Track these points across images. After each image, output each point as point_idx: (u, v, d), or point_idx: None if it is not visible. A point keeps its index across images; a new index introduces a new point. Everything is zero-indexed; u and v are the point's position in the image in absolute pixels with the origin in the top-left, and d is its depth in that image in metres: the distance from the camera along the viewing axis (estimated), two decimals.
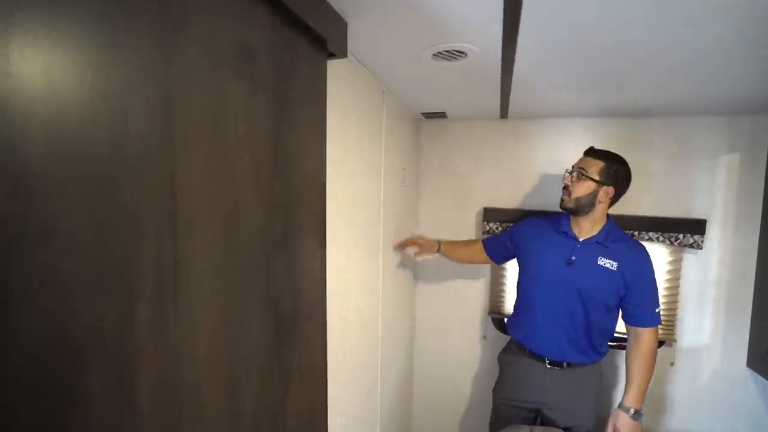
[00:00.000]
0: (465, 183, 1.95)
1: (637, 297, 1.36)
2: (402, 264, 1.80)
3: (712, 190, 1.68)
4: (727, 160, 1.66)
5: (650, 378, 1.37)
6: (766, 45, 0.92)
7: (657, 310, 1.36)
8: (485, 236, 1.76)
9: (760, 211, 1.64)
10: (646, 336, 1.36)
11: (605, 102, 1.51)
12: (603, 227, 1.41)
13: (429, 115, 1.85)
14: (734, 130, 1.64)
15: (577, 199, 1.36)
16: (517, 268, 1.61)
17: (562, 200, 1.41)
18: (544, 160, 1.86)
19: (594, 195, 1.35)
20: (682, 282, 1.75)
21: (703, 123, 1.66)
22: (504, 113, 1.76)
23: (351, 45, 0.99)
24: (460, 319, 2.06)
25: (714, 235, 1.69)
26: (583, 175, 1.35)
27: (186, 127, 0.46)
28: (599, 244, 1.39)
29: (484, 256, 1.70)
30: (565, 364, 1.44)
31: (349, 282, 1.14)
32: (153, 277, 0.41)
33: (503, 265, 1.95)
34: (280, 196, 0.66)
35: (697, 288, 1.74)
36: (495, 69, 1.13)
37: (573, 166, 1.41)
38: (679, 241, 1.67)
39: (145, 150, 0.40)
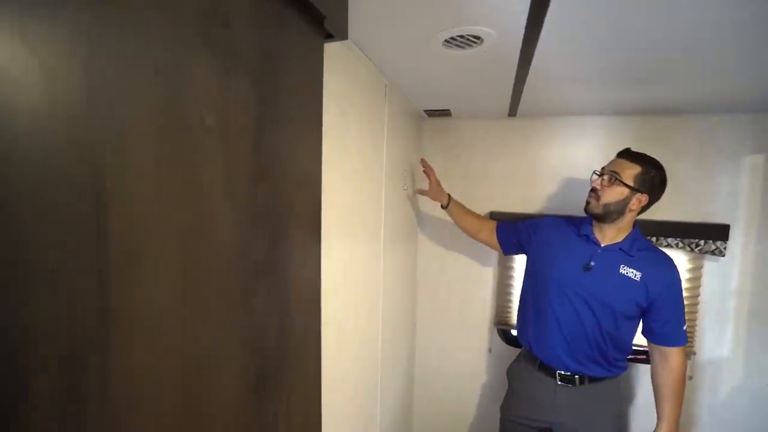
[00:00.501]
0: (470, 186, 1.82)
1: (664, 314, 1.24)
2: (404, 272, 1.67)
3: (735, 193, 1.57)
4: (751, 161, 1.55)
5: (682, 403, 1.26)
6: None
7: (684, 328, 1.25)
8: (500, 221, 1.61)
9: None
10: (675, 357, 1.25)
11: (624, 98, 1.38)
12: (628, 235, 1.29)
13: (432, 113, 1.72)
14: (759, 130, 1.53)
15: (606, 206, 1.24)
16: (525, 267, 1.49)
17: (588, 203, 1.29)
18: (557, 162, 1.74)
19: (626, 202, 1.23)
20: (702, 291, 1.63)
21: (726, 121, 1.55)
22: (513, 111, 1.63)
23: (351, 30, 0.86)
24: (464, 330, 1.94)
25: (736, 241, 1.58)
26: (616, 179, 1.22)
27: (122, 117, 0.32)
28: (623, 251, 1.27)
29: (493, 239, 1.56)
30: (577, 380, 1.32)
31: (347, 299, 1.01)
32: (64, 343, 0.27)
33: (510, 274, 1.82)
34: (264, 205, 0.52)
35: (718, 297, 1.63)
36: (512, 59, 1.00)
37: (604, 168, 1.28)
38: (700, 247, 1.55)
39: (51, 151, 0.26)
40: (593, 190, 1.28)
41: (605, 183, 1.24)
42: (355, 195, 1.02)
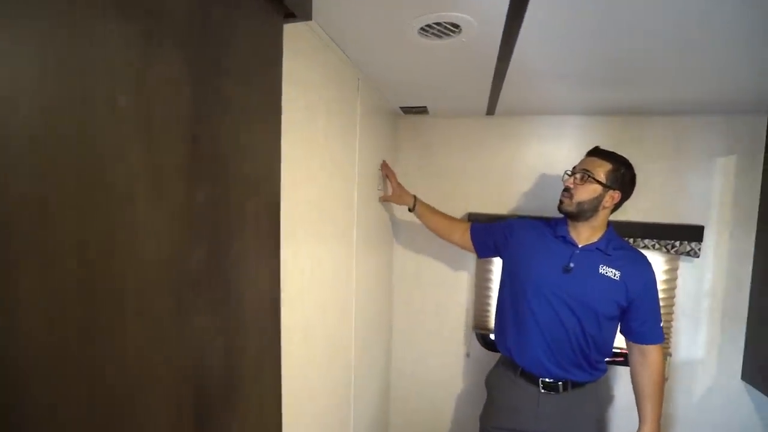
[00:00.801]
0: (447, 186, 1.77)
1: (643, 312, 1.24)
2: (379, 274, 1.60)
3: (708, 194, 1.58)
4: (724, 162, 1.56)
5: (662, 403, 1.26)
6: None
7: (661, 325, 1.26)
8: (474, 221, 1.56)
9: (756, 217, 1.55)
10: (654, 354, 1.25)
11: (602, 97, 1.36)
12: (604, 234, 1.28)
13: (408, 110, 1.66)
14: (732, 131, 1.54)
15: (580, 204, 1.22)
16: (501, 271, 1.45)
17: (561, 203, 1.27)
18: (535, 162, 1.71)
19: (599, 200, 1.22)
20: (677, 292, 1.64)
21: (700, 122, 1.56)
22: (491, 109, 1.59)
23: (318, 13, 0.78)
24: (441, 334, 1.88)
25: (710, 242, 1.59)
26: (588, 176, 1.21)
27: None
28: (600, 251, 1.26)
29: (467, 241, 1.49)
30: (560, 386, 1.28)
31: (315, 305, 0.93)
32: None
33: (489, 276, 1.78)
34: (204, 208, 0.44)
35: (693, 298, 1.63)
36: (491, 51, 0.95)
37: (575, 167, 1.27)
38: (675, 248, 1.55)
39: None
40: (566, 189, 1.26)
41: (578, 181, 1.23)
42: (324, 194, 0.94)
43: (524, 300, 1.30)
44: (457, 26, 0.82)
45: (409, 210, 1.55)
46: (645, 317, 1.24)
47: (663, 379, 1.26)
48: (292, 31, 0.74)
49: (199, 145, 0.43)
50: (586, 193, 1.21)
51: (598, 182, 1.20)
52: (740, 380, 1.61)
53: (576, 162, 1.38)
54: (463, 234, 1.50)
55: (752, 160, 1.53)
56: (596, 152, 1.26)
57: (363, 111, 1.22)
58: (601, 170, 1.21)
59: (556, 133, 1.67)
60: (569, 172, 1.27)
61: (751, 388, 1.58)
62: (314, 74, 0.85)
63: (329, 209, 0.98)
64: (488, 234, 1.47)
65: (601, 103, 1.44)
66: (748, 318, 1.58)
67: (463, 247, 1.53)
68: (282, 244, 0.69)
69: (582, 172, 1.23)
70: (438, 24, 0.81)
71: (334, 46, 0.95)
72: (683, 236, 1.54)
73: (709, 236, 1.58)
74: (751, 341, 1.57)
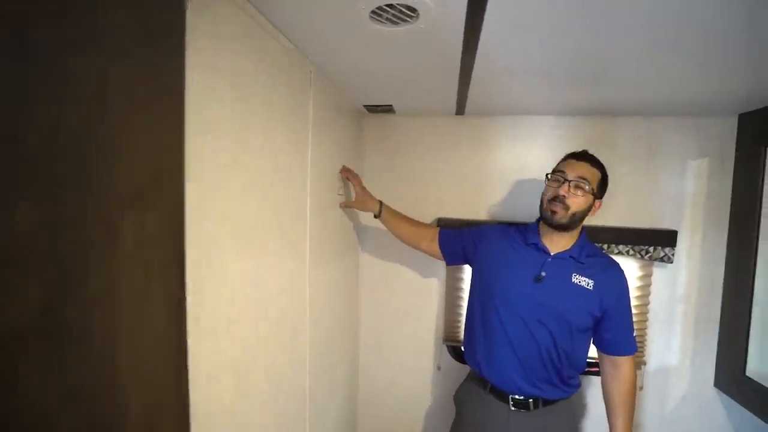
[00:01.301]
0: (417, 190, 1.67)
1: (616, 323, 1.17)
2: (343, 288, 1.48)
3: (680, 198, 1.54)
4: (696, 165, 1.52)
5: (633, 415, 1.21)
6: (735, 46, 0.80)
7: (634, 335, 1.20)
8: (442, 227, 1.46)
9: (728, 220, 1.52)
10: (626, 366, 1.19)
11: (573, 97, 1.29)
12: (577, 241, 1.20)
13: (373, 109, 1.54)
14: (703, 133, 1.50)
15: (574, 215, 1.13)
16: (471, 280, 1.35)
17: (553, 213, 1.14)
18: (507, 164, 1.63)
19: (589, 209, 1.14)
20: (651, 298, 1.59)
21: (671, 124, 1.51)
22: (461, 109, 1.50)
23: None
24: (411, 347, 1.77)
25: (683, 247, 1.55)
26: (585, 185, 1.12)
27: None
28: (573, 259, 1.17)
29: (435, 248, 1.39)
30: (531, 404, 1.19)
31: (251, 335, 0.80)
32: None
33: (459, 285, 1.68)
34: (35, 233, 0.31)
35: (667, 305, 1.59)
36: (455, 40, 0.84)
37: (564, 172, 1.14)
38: (649, 254, 1.50)
39: None
40: (558, 198, 1.13)
41: (573, 190, 1.12)
42: (264, 203, 0.82)
43: (493, 312, 1.21)
44: (413, 10, 0.71)
45: (375, 216, 1.44)
46: (618, 328, 1.17)
47: (635, 391, 1.21)
48: (218, 12, 0.62)
49: (23, 144, 0.30)
50: (582, 203, 1.12)
51: (592, 192, 1.12)
52: (713, 387, 1.58)
53: (549, 164, 1.31)
54: (432, 241, 1.40)
55: (723, 163, 1.50)
56: (587, 158, 1.16)
57: (317, 108, 1.10)
58: (595, 179, 1.13)
59: (529, 135, 1.60)
60: (561, 178, 1.14)
61: (723, 395, 1.55)
62: (247, 62, 0.72)
63: (271, 220, 0.85)
64: (457, 241, 1.37)
65: (573, 103, 1.37)
66: (721, 323, 1.55)
67: (432, 255, 1.43)
68: (198, 270, 0.56)
69: (578, 180, 1.12)
70: (391, 6, 0.70)
71: (276, 32, 0.82)
72: (657, 241, 1.49)
73: (681, 240, 1.53)
74: (723, 347, 1.54)
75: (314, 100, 1.06)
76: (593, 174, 1.13)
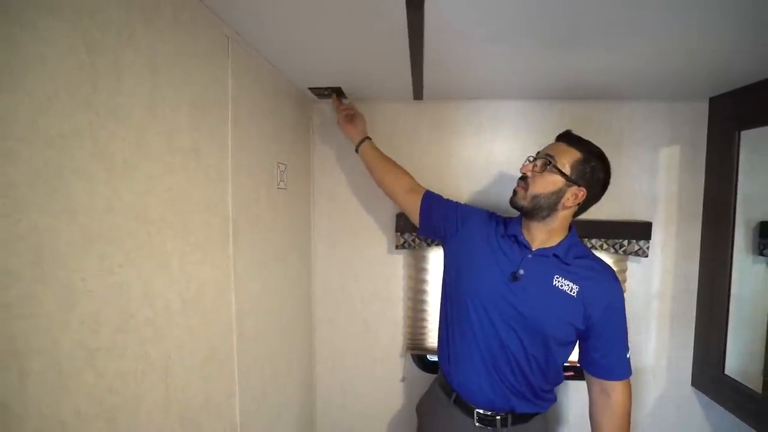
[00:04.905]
0: (373, 182, 1.51)
1: (606, 341, 1.00)
2: (290, 295, 1.29)
3: (653, 188, 1.45)
4: (668, 152, 1.43)
5: None
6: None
7: (628, 356, 1.02)
8: (430, 191, 1.25)
9: (701, 212, 1.44)
10: (619, 393, 1.01)
11: (539, 74, 1.16)
12: (564, 239, 1.03)
13: (320, 92, 1.37)
14: (674, 119, 1.41)
15: (536, 197, 0.98)
16: (443, 268, 1.19)
17: (514, 194, 1.03)
18: (472, 153, 1.49)
19: (559, 195, 0.97)
20: (625, 296, 1.48)
21: (642, 109, 1.41)
22: (418, 92, 1.34)
23: None
24: (372, 357, 1.60)
25: (657, 239, 1.45)
26: (550, 164, 0.97)
27: None
28: (558, 258, 1.01)
29: (413, 204, 1.20)
30: (499, 421, 1.04)
31: (140, 371, 0.61)
32: None
33: (424, 288, 1.53)
34: None
35: (642, 301, 1.49)
36: None
37: (539, 152, 1.02)
38: (624, 248, 1.39)
39: None
40: (523, 177, 1.02)
41: (537, 168, 0.99)
42: (150, 194, 0.63)
43: (463, 310, 1.06)
44: None
45: (356, 150, 1.31)
46: (610, 347, 1.00)
47: (629, 420, 1.01)
48: None
49: None
50: (544, 184, 0.97)
51: (561, 173, 0.95)
52: (690, 387, 1.50)
53: (517, 152, 1.17)
54: (413, 194, 1.22)
55: (695, 149, 1.41)
56: (566, 137, 1.01)
57: (241, 85, 0.91)
58: (567, 159, 0.96)
59: (494, 121, 1.46)
60: (531, 158, 1.03)
61: (701, 394, 1.46)
62: (119, 11, 0.53)
63: (166, 216, 0.66)
64: (441, 211, 1.18)
65: (540, 83, 1.24)
66: (696, 320, 1.47)
67: (405, 210, 1.25)
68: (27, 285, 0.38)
69: (544, 158, 0.98)
70: None
71: None
72: (631, 234, 1.39)
73: (656, 233, 1.44)
74: (700, 345, 1.45)
75: (234, 75, 0.88)
76: (565, 152, 0.97)
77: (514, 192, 1.03)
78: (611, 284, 1.00)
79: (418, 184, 1.26)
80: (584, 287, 0.98)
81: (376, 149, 1.30)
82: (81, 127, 0.50)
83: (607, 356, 1.00)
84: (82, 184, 0.50)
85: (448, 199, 1.22)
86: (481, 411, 1.05)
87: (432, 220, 1.19)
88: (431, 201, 1.21)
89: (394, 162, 1.29)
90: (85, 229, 0.51)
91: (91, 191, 0.51)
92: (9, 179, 0.41)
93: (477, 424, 1.05)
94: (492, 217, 1.16)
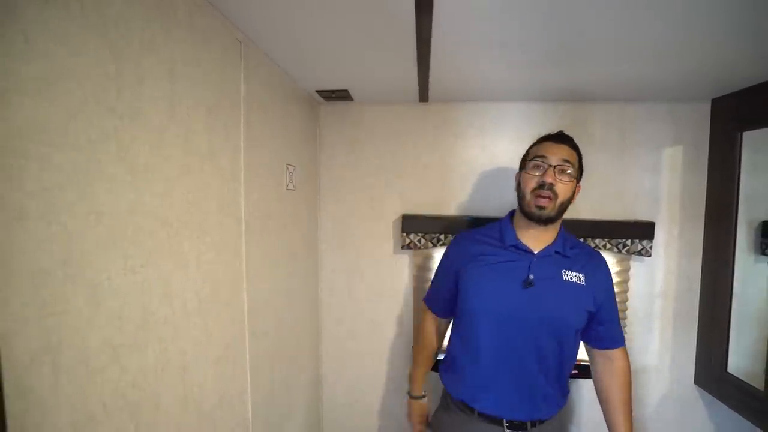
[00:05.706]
0: (379, 184, 1.53)
1: (610, 315, 1.09)
2: (299, 294, 1.31)
3: (655, 188, 1.46)
4: (671, 153, 1.45)
5: (632, 412, 1.11)
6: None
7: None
8: (425, 299, 1.28)
9: (704, 212, 1.45)
10: (621, 359, 1.11)
11: (544, 78, 1.17)
12: (558, 233, 1.07)
13: (328, 96, 1.39)
14: (677, 120, 1.43)
15: (562, 204, 1.00)
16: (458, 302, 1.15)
17: (540, 208, 0.99)
18: (475, 154, 1.51)
19: (572, 197, 1.03)
20: (629, 295, 1.50)
21: (645, 111, 1.43)
22: (424, 94, 1.36)
23: None
24: (378, 358, 1.62)
25: (660, 239, 1.47)
26: (570, 170, 1.00)
27: None
28: (559, 254, 1.05)
29: (439, 322, 1.25)
30: (528, 425, 1.04)
31: (160, 366, 0.63)
32: None
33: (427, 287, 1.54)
34: None
35: (645, 301, 1.51)
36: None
37: (545, 157, 1.00)
38: (627, 248, 1.41)
39: None
40: (544, 185, 0.97)
41: (559, 176, 0.99)
42: (169, 195, 0.65)
43: (478, 332, 1.04)
44: None
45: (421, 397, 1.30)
46: (611, 320, 1.09)
47: (631, 385, 1.11)
48: None
49: None
50: (567, 191, 0.99)
51: (575, 177, 1.01)
52: (693, 385, 1.51)
53: (520, 153, 1.18)
54: (434, 322, 1.25)
55: (698, 150, 1.43)
56: (567, 140, 1.04)
57: (253, 89, 0.93)
58: (575, 160, 1.01)
59: (497, 123, 1.48)
60: (544, 163, 0.99)
61: (704, 393, 1.48)
62: (134, 11, 0.56)
63: (184, 217, 0.69)
64: (441, 295, 1.19)
65: (541, 86, 1.26)
66: (699, 319, 1.48)
67: (442, 329, 1.27)
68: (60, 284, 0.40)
69: (563, 164, 0.99)
70: None
71: None
72: (634, 234, 1.41)
73: (658, 233, 1.45)
74: (703, 344, 1.46)
75: (247, 79, 0.90)
76: (573, 156, 1.01)
77: (541, 207, 0.98)
78: (604, 265, 1.10)
79: (427, 317, 1.26)
80: (588, 274, 1.04)
81: (417, 376, 1.29)
82: (107, 131, 0.52)
83: (610, 329, 1.09)
84: (107, 187, 0.52)
85: (435, 279, 1.23)
86: (511, 418, 1.04)
87: (448, 306, 1.18)
88: (437, 304, 1.21)
89: (421, 350, 1.28)
90: (110, 230, 0.53)
91: (115, 193, 0.53)
92: (42, 184, 0.43)
93: (507, 430, 1.04)
94: (473, 234, 1.15)
